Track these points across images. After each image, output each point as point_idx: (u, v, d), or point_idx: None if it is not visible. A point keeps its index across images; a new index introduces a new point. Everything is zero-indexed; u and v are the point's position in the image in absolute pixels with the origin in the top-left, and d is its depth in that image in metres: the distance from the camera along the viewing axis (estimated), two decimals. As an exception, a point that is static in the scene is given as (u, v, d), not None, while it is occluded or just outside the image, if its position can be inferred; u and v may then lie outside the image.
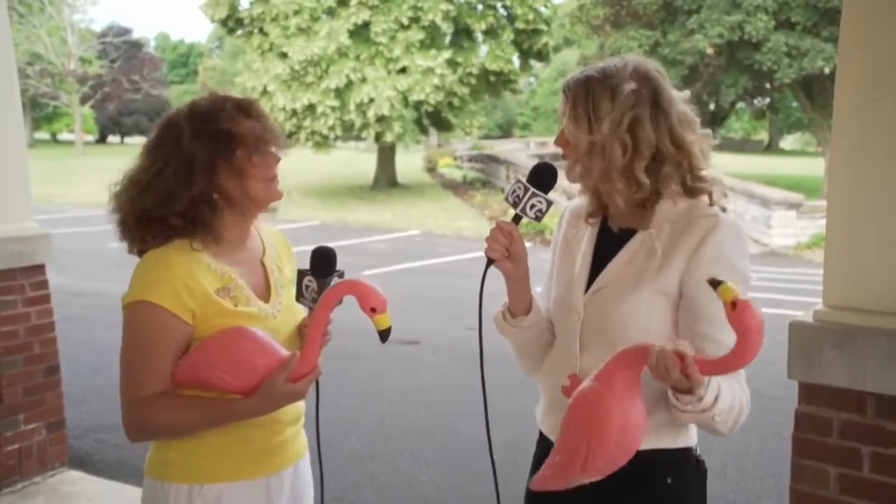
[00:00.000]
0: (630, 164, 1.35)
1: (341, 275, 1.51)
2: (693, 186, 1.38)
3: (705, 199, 1.39)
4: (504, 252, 1.39)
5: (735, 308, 1.10)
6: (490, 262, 1.41)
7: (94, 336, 6.12)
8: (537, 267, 1.56)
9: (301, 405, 1.60)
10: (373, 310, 1.35)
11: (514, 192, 1.41)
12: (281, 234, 1.69)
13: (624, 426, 1.20)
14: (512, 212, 1.42)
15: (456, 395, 4.90)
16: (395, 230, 15.87)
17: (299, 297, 1.53)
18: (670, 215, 1.37)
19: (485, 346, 1.48)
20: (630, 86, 1.34)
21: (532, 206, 1.39)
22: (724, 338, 1.25)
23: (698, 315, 1.32)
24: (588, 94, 1.36)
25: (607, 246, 1.44)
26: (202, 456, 1.45)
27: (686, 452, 1.42)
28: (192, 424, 1.42)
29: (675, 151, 1.36)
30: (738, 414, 1.31)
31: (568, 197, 9.49)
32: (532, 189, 1.39)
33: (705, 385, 1.22)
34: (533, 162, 1.56)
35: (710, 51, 19.72)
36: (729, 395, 1.27)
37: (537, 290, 1.55)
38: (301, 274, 1.53)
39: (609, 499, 1.37)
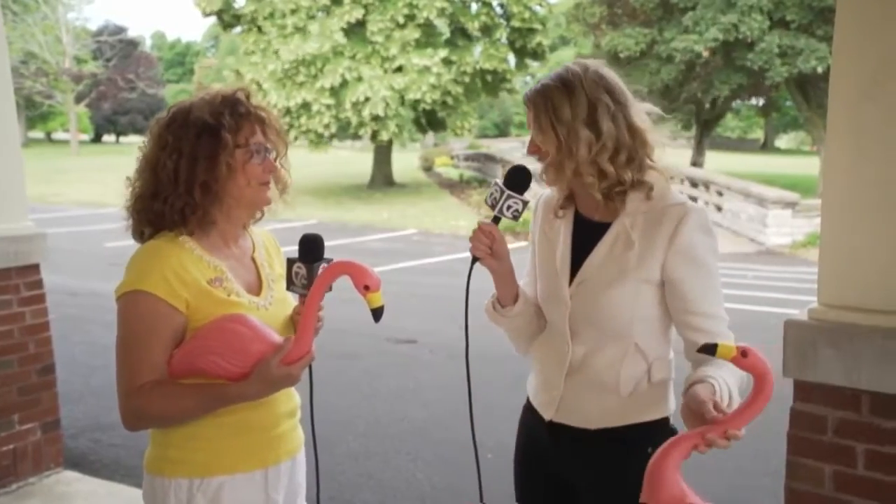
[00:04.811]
0: (596, 157, 1.45)
1: (329, 261, 1.54)
2: (641, 179, 1.48)
3: (672, 188, 1.51)
4: (487, 250, 1.52)
5: (746, 356, 1.19)
6: (475, 260, 1.54)
7: (89, 335, 6.11)
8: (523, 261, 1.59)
9: (297, 399, 1.62)
10: (366, 287, 1.36)
11: (491, 194, 1.52)
12: (269, 234, 1.71)
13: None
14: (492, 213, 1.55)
15: (453, 394, 4.90)
16: (392, 229, 15.86)
17: (290, 285, 1.55)
18: (642, 206, 1.48)
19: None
20: (585, 86, 1.46)
21: (509, 207, 1.51)
22: (713, 327, 1.45)
23: (685, 299, 1.46)
24: (546, 101, 1.48)
25: (584, 236, 1.54)
26: (201, 450, 1.47)
27: (664, 422, 1.54)
28: (188, 411, 1.43)
29: (631, 142, 1.47)
30: (744, 384, 1.43)
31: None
32: (507, 191, 1.51)
33: (728, 401, 1.33)
34: (526, 161, 1.62)
35: (705, 53, 19.79)
36: (735, 381, 1.38)
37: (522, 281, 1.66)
38: (290, 262, 1.55)
39: (594, 474, 1.53)
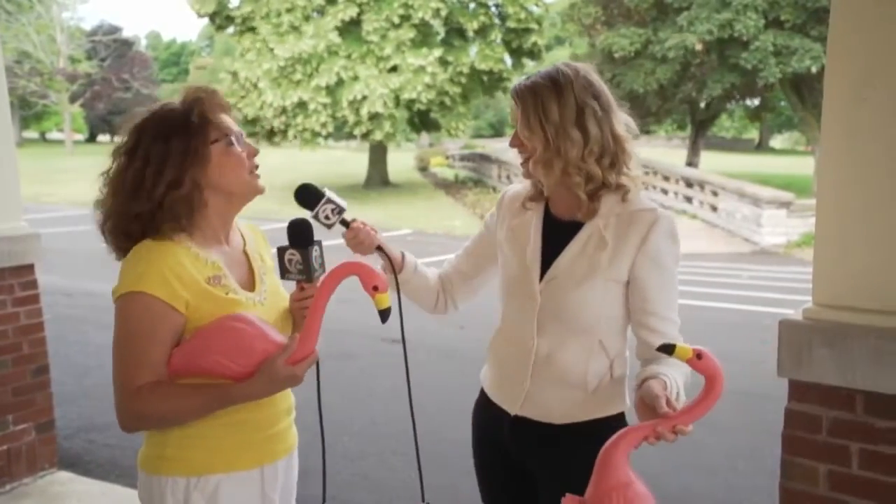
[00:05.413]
0: (583, 159, 1.51)
1: (320, 244, 1.55)
2: (619, 182, 1.54)
3: (642, 194, 1.58)
4: (373, 232, 1.64)
5: (701, 358, 1.26)
6: (379, 248, 1.66)
7: (84, 336, 6.09)
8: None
9: (293, 398, 1.62)
10: (375, 288, 1.39)
11: (327, 217, 1.60)
12: (254, 225, 1.70)
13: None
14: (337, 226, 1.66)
15: (447, 395, 4.91)
16: (387, 229, 15.86)
17: (284, 273, 1.55)
18: (616, 209, 1.54)
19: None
20: (575, 90, 1.51)
21: (335, 206, 1.60)
22: (666, 328, 1.52)
23: (644, 298, 1.54)
24: (536, 98, 1.52)
25: (554, 234, 1.59)
26: (198, 448, 1.45)
27: (621, 416, 1.61)
28: (189, 412, 1.41)
29: (614, 148, 1.53)
30: (688, 382, 1.52)
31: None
32: (322, 207, 1.59)
33: (676, 398, 1.40)
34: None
35: (698, 46, 19.84)
36: (682, 380, 1.46)
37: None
38: (281, 250, 1.54)
39: (556, 466, 1.58)
